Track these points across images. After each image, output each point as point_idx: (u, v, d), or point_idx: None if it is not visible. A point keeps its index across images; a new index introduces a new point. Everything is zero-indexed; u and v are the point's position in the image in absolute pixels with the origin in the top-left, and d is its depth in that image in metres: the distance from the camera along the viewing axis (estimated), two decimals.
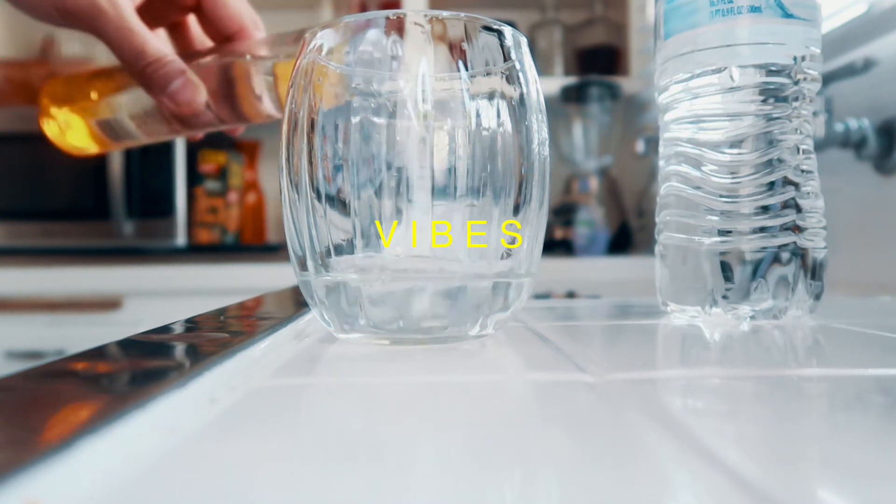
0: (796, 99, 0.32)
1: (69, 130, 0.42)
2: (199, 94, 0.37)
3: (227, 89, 0.39)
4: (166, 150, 1.28)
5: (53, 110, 0.42)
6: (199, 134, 0.45)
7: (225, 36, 0.42)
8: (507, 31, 0.26)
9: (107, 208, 1.28)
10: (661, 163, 0.35)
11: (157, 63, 0.36)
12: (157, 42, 0.37)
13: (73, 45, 1.51)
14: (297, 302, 0.39)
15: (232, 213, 1.45)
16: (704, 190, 0.32)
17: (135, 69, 0.37)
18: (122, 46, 0.36)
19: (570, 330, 0.32)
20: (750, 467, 0.12)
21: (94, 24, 0.36)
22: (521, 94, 0.26)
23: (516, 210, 0.26)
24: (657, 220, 0.36)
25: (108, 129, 0.41)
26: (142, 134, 0.42)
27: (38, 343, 1.13)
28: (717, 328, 0.31)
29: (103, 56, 1.43)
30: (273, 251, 1.46)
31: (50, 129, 0.42)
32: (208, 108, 0.39)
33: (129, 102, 0.41)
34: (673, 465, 0.13)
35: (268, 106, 0.40)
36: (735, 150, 0.32)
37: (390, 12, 0.25)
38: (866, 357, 0.25)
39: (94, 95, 0.42)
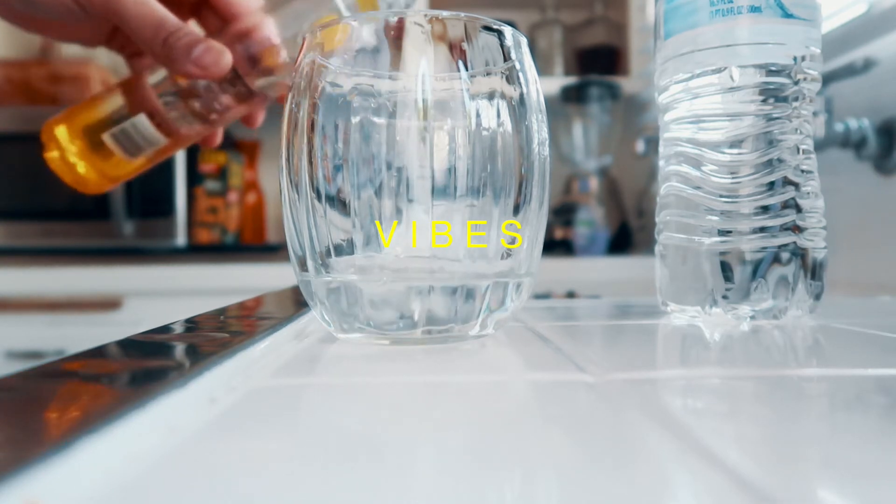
0: (796, 99, 0.32)
1: (78, 157, 0.39)
2: (224, 55, 0.37)
3: (251, 50, 0.39)
4: None
5: (57, 141, 0.39)
6: (219, 130, 0.44)
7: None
8: (507, 31, 0.26)
9: (107, 208, 1.28)
10: (661, 163, 0.35)
11: (179, 32, 0.37)
12: (175, 18, 0.37)
13: (73, 46, 1.51)
14: (297, 302, 0.39)
15: (232, 213, 1.45)
16: (704, 190, 0.32)
17: (156, 41, 0.37)
18: (143, 21, 0.37)
19: (570, 330, 0.32)
20: (750, 467, 0.12)
21: (114, 5, 0.36)
22: (521, 94, 0.26)
23: (516, 210, 0.26)
24: (657, 220, 0.36)
25: (125, 140, 0.39)
26: (162, 136, 0.40)
27: (38, 343, 1.13)
28: (717, 328, 0.31)
29: (104, 57, 1.43)
30: (273, 251, 1.46)
31: (56, 162, 0.40)
32: (235, 73, 0.39)
33: (144, 100, 0.39)
34: (673, 465, 0.13)
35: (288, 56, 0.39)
36: (735, 150, 0.32)
37: (390, 12, 0.25)
38: (866, 357, 0.25)
39: (104, 109, 0.40)
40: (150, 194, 1.29)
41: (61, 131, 0.39)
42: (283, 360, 0.23)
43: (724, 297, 0.32)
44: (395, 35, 0.26)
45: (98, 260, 1.26)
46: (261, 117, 0.46)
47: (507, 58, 0.26)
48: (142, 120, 0.39)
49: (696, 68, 0.32)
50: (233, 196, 1.45)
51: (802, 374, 0.21)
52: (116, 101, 0.40)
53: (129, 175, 0.42)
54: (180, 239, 1.31)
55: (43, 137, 0.40)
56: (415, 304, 0.25)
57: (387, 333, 0.26)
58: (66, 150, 0.39)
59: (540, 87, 0.28)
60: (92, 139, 0.40)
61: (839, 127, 0.71)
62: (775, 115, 0.31)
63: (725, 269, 0.31)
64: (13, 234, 1.29)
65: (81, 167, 0.40)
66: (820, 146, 0.69)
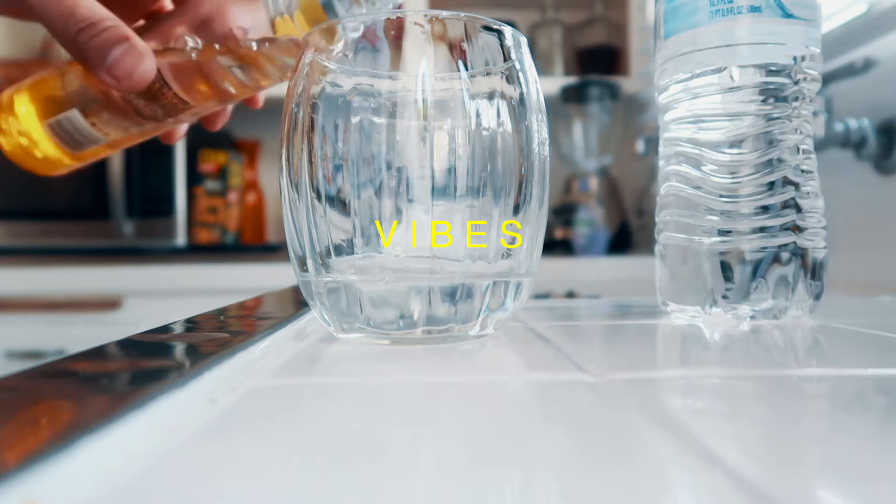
0: (796, 99, 0.32)
1: (28, 142, 0.35)
2: (143, 63, 0.29)
3: (192, 66, 0.32)
4: (166, 149, 1.28)
5: (4, 119, 0.35)
6: (178, 128, 0.38)
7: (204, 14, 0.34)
8: (507, 30, 0.26)
9: (107, 208, 1.28)
10: (661, 163, 0.35)
11: (91, 28, 0.29)
12: (95, 5, 0.29)
13: None
14: (297, 302, 0.39)
15: (232, 213, 1.45)
16: (704, 190, 0.32)
17: (67, 39, 0.29)
18: (50, 11, 0.29)
19: (570, 330, 0.32)
20: (750, 467, 0.12)
21: None
22: (521, 94, 0.26)
23: (516, 210, 0.26)
24: (657, 219, 0.36)
25: (64, 134, 0.34)
26: (101, 134, 0.35)
27: (38, 343, 1.13)
28: (717, 328, 0.31)
29: None
30: (273, 251, 1.46)
31: (8, 142, 0.35)
32: (165, 85, 0.32)
33: (77, 93, 0.34)
34: (673, 465, 0.13)
35: (237, 81, 0.33)
36: (735, 150, 0.32)
37: (390, 12, 0.25)
38: (866, 357, 0.25)
39: (42, 93, 0.35)
40: (150, 194, 1.29)
41: (11, 107, 0.35)
42: (283, 360, 0.23)
43: (724, 297, 0.32)
44: (395, 35, 0.26)
45: (98, 260, 1.26)
46: (221, 121, 0.39)
47: (506, 57, 0.26)
48: (75, 115, 0.34)
49: (696, 68, 0.32)
50: (233, 196, 1.45)
51: (802, 374, 0.21)
52: (58, 87, 0.34)
53: (83, 160, 0.37)
54: (180, 239, 1.31)
55: None
56: (415, 304, 0.25)
57: (387, 333, 0.26)
58: (14, 128, 0.35)
59: (540, 86, 0.28)
60: (39, 123, 0.35)
61: (839, 127, 0.71)
62: (775, 115, 0.31)
63: (725, 269, 0.31)
64: (13, 234, 1.29)
65: (30, 146, 0.35)
66: (820, 146, 0.69)
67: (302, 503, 0.11)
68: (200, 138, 1.39)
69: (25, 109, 0.35)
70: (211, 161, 1.42)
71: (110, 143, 0.36)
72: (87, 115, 0.34)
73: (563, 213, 1.33)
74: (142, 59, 0.29)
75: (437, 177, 0.25)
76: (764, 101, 0.31)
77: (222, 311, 0.34)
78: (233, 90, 0.34)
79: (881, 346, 0.27)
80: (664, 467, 0.13)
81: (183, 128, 0.39)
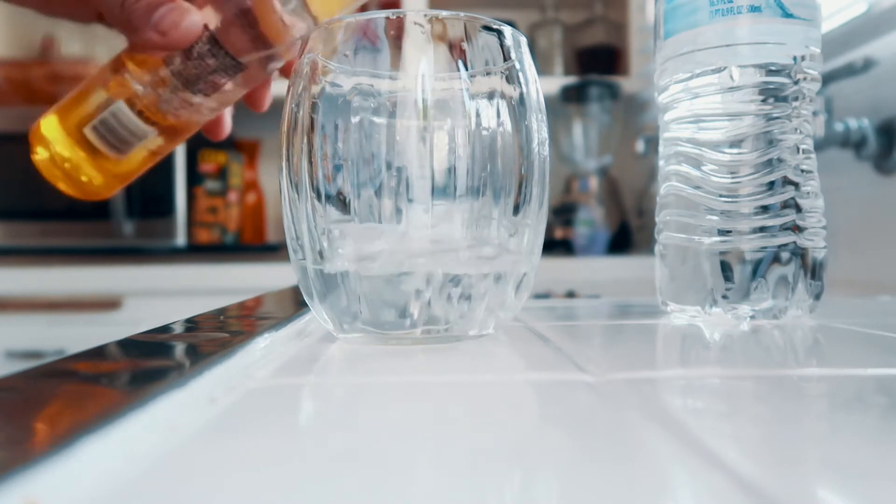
0: (796, 99, 0.32)
1: (67, 157, 0.35)
2: (189, 16, 0.30)
3: (241, 11, 0.32)
4: None
5: (43, 139, 0.35)
6: (225, 119, 0.39)
7: None
8: (507, 30, 0.27)
9: (106, 208, 1.28)
10: (661, 162, 0.35)
11: None
12: None
13: (73, 45, 1.51)
14: (297, 302, 0.39)
15: (232, 213, 1.45)
16: (704, 190, 0.32)
17: (113, 9, 0.31)
18: None
19: (570, 330, 0.32)
20: (750, 467, 0.12)
21: None
22: (521, 94, 0.26)
23: (516, 210, 0.26)
24: (657, 219, 0.36)
25: (108, 132, 0.34)
26: (148, 126, 0.34)
27: (38, 343, 1.13)
28: (717, 328, 0.31)
29: (104, 56, 1.43)
30: (273, 251, 1.46)
31: (44, 163, 0.35)
32: (213, 39, 0.32)
33: (122, 85, 0.34)
34: (673, 464, 0.13)
35: (292, 17, 0.32)
36: (735, 150, 0.32)
37: (390, 12, 0.25)
38: (866, 357, 0.25)
39: (88, 98, 0.34)
40: (149, 194, 1.29)
41: (47, 127, 0.35)
42: (283, 360, 0.23)
43: (724, 296, 0.32)
44: (395, 35, 0.26)
45: (98, 260, 1.26)
46: (266, 98, 0.39)
47: (506, 57, 0.26)
48: (121, 108, 0.34)
49: (696, 68, 0.32)
50: (233, 196, 1.45)
51: (802, 374, 0.21)
52: (92, 88, 0.34)
53: (127, 176, 0.37)
54: (180, 239, 1.31)
55: (31, 138, 0.35)
56: (414, 304, 0.25)
57: (386, 333, 0.26)
58: (53, 150, 0.35)
59: (539, 86, 0.28)
60: (78, 134, 0.34)
61: (839, 127, 0.71)
62: (775, 115, 0.31)
63: (725, 269, 0.31)
64: (13, 234, 1.29)
65: (71, 168, 0.35)
66: (820, 146, 0.69)
67: (301, 503, 0.11)
68: (200, 138, 1.39)
69: (58, 130, 0.35)
70: (211, 161, 1.42)
71: (156, 140, 0.35)
72: (134, 105, 0.34)
73: (563, 212, 1.33)
74: (186, 13, 0.30)
75: (436, 177, 0.25)
76: (764, 100, 0.31)
77: (222, 311, 0.34)
78: (280, 34, 0.33)
79: (881, 346, 0.27)
80: (664, 467, 0.13)
81: (227, 123, 0.40)
